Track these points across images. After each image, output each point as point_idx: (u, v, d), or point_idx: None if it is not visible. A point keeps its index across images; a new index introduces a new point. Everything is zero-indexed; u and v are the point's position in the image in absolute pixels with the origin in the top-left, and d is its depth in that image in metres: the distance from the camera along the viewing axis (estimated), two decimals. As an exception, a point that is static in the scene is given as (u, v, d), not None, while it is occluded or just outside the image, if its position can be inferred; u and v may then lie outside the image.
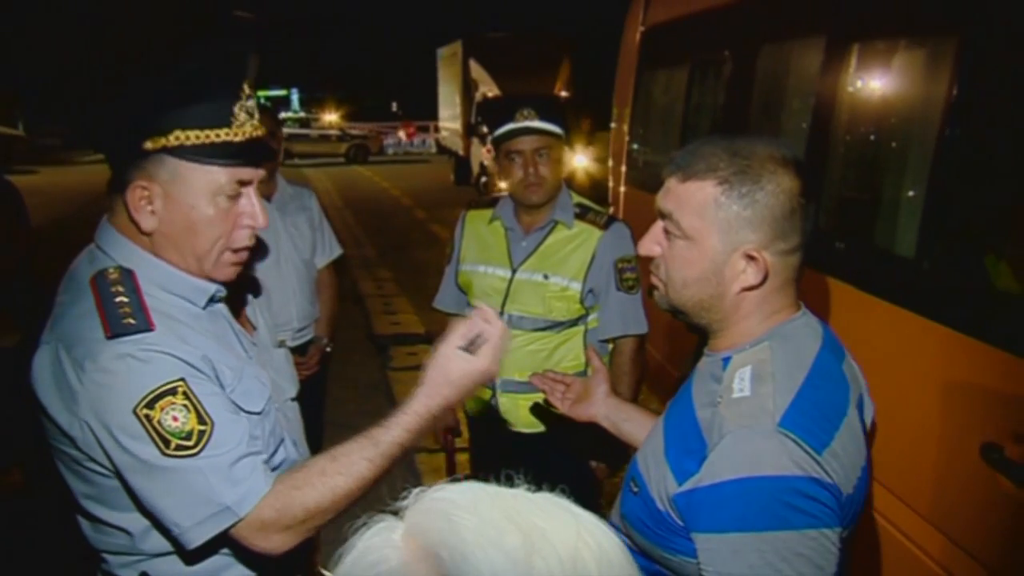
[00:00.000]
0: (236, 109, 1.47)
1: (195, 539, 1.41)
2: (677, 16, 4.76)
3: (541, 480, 0.72)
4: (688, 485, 1.33)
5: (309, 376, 3.45)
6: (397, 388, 6.26)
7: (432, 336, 7.63)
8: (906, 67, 2.62)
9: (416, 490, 0.71)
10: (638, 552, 1.48)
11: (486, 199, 3.05)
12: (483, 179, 18.15)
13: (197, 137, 1.43)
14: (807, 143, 3.02)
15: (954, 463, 2.08)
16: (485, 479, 0.71)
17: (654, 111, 5.43)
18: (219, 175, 1.47)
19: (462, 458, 3.45)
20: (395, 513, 0.70)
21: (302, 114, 37.14)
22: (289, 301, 3.43)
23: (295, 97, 52.12)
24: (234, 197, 1.50)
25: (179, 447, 1.37)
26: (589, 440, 2.82)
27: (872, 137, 2.83)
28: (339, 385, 5.98)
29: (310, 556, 1.81)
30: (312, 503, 1.41)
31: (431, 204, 17.37)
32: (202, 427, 1.39)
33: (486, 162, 18.03)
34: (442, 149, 26.07)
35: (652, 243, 1.48)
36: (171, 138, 1.43)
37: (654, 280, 1.52)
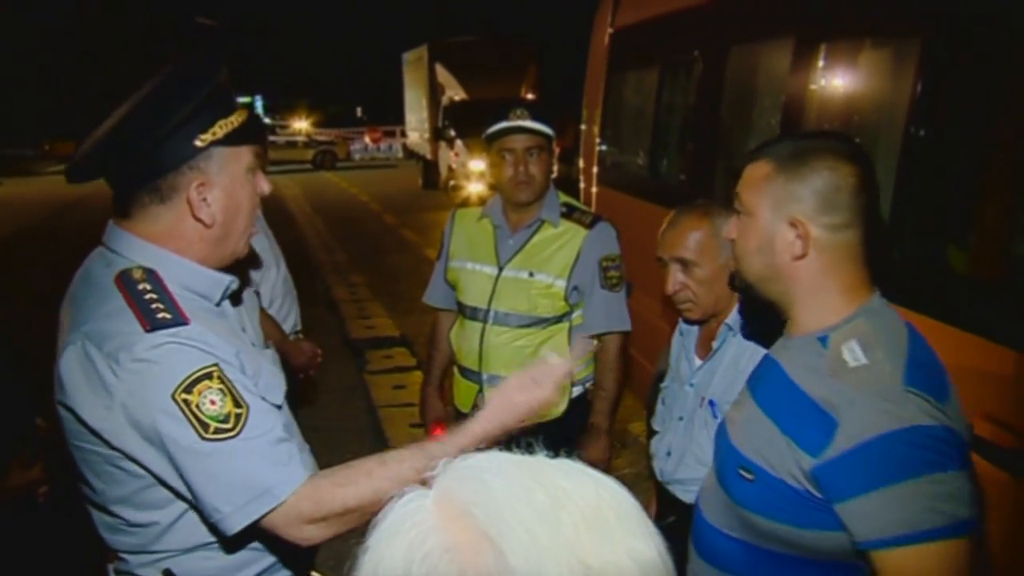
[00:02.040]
0: (233, 96, 1.60)
1: (236, 524, 1.42)
2: (646, 18, 4.84)
3: None
4: (827, 455, 1.39)
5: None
6: (374, 391, 6.28)
7: (407, 339, 7.68)
8: (872, 67, 2.73)
9: (443, 461, 0.75)
10: (752, 539, 1.54)
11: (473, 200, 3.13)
12: (451, 183, 18.16)
13: (225, 126, 1.54)
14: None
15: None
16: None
17: (624, 112, 5.52)
18: (247, 154, 1.59)
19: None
20: (423, 484, 0.74)
21: (267, 121, 36.83)
22: (295, 302, 3.45)
23: (259, 104, 51.75)
24: (255, 173, 1.62)
25: (218, 430, 1.40)
26: (576, 433, 2.89)
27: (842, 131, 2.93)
28: (317, 390, 5.99)
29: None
30: (353, 501, 1.42)
31: (400, 209, 17.35)
32: (239, 410, 1.43)
33: (454, 166, 18.05)
34: (409, 154, 26.01)
35: (732, 227, 1.62)
36: (217, 129, 1.52)
37: (732, 261, 1.68)
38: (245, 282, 1.80)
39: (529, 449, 0.79)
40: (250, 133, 1.61)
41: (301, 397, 3.57)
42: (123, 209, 1.57)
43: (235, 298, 1.72)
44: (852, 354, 1.44)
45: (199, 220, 1.54)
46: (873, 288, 1.54)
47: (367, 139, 33.54)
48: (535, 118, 2.76)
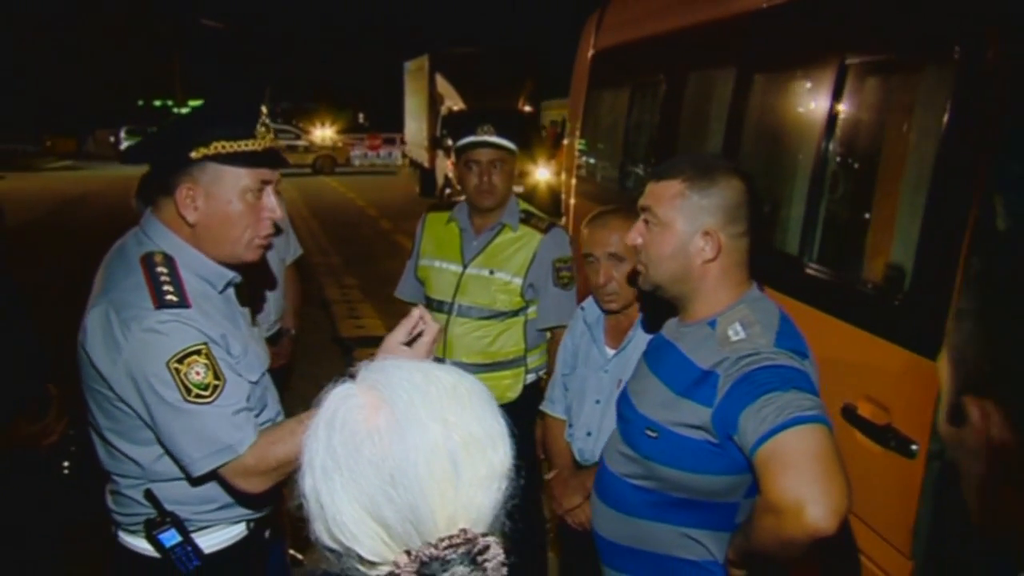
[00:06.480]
0: (257, 125, 1.91)
1: (201, 469, 1.82)
2: (622, 41, 5.17)
3: None
4: (716, 400, 1.72)
5: (282, 365, 3.79)
6: (360, 386, 6.58)
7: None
8: (798, 95, 3.06)
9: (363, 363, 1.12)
10: (655, 486, 1.87)
11: (445, 203, 3.45)
12: (447, 191, 18.43)
13: (230, 146, 1.86)
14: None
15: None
16: None
17: (600, 128, 5.84)
18: (247, 176, 1.90)
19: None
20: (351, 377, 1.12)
21: (281, 124, 36.31)
22: (269, 295, 3.76)
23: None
24: (258, 195, 1.92)
25: (198, 395, 1.79)
26: (530, 417, 3.17)
27: (769, 151, 3.27)
28: (305, 383, 6.25)
29: (278, 505, 2.20)
30: (283, 455, 1.81)
31: (396, 215, 17.58)
32: (216, 382, 1.81)
33: (450, 174, 18.34)
34: (410, 161, 26.21)
35: (636, 235, 1.92)
36: (212, 148, 1.84)
37: (638, 266, 1.95)
38: (259, 273, 2.16)
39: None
40: (259, 160, 1.90)
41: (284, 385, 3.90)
42: (154, 196, 1.94)
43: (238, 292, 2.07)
44: (734, 331, 1.78)
45: (182, 217, 1.88)
46: (751, 281, 1.88)
47: (366, 145, 33.61)
48: (500, 133, 3.10)
